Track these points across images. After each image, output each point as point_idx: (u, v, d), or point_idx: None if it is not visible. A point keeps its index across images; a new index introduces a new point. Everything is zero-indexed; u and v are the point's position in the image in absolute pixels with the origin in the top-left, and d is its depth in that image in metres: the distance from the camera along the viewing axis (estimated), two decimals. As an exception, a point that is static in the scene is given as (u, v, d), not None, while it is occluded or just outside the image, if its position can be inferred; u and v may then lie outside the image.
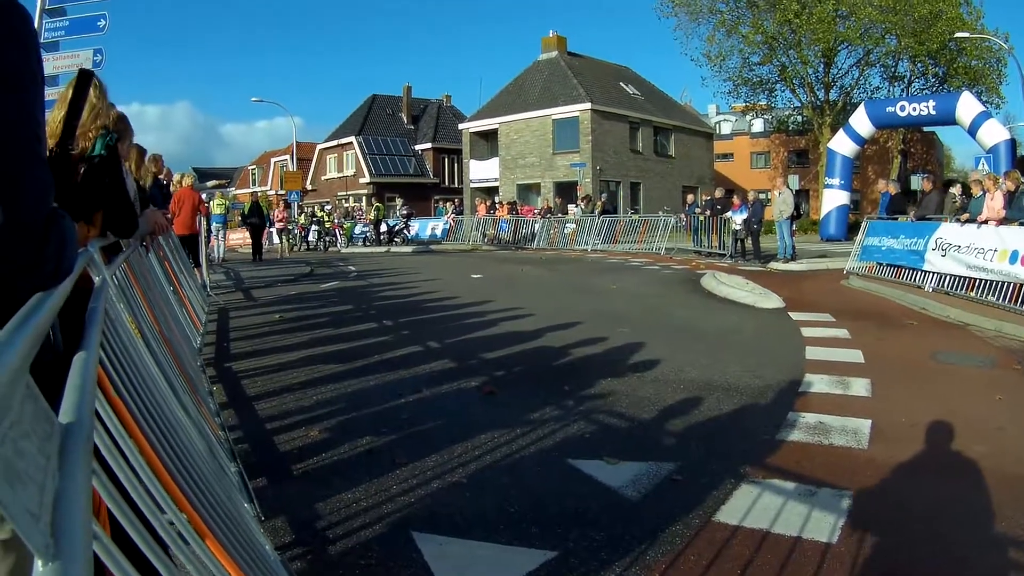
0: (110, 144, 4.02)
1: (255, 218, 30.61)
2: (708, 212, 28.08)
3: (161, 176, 12.93)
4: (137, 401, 2.55)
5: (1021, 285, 12.66)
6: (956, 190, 18.82)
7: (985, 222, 14.55)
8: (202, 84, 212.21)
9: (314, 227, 42.26)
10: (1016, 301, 12.69)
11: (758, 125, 69.42)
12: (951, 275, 15.02)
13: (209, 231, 23.52)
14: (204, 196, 16.69)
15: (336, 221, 44.18)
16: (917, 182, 25.96)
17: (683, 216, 32.50)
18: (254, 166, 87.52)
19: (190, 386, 4.99)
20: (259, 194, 44.09)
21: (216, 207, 27.72)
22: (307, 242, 41.95)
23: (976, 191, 16.44)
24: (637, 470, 5.36)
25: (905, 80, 50.40)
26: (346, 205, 59.14)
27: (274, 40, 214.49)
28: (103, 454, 1.88)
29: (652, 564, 4.03)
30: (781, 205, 24.37)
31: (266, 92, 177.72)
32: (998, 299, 13.10)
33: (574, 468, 5.40)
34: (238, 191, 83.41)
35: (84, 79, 2.47)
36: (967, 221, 15.25)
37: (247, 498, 4.39)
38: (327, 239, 41.63)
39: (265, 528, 4.31)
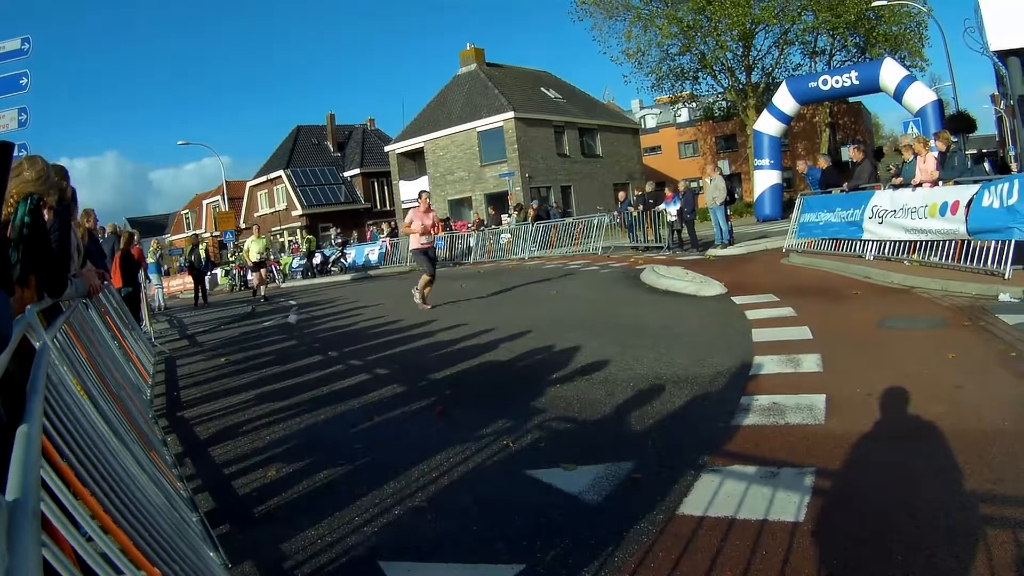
0: (32, 208, 4.00)
1: (197, 262, 30.63)
2: (641, 207, 28.22)
3: (95, 231, 12.79)
4: (87, 465, 2.55)
5: (962, 242, 12.85)
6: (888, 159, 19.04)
7: (920, 185, 14.76)
8: (128, 132, 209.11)
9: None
10: (959, 259, 12.90)
11: (683, 115, 70.02)
12: (891, 241, 15.25)
13: (148, 280, 23.33)
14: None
15: (272, 257, 43.94)
16: (847, 154, 26.26)
17: (616, 214, 32.64)
18: (187, 210, 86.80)
19: (143, 440, 4.96)
20: (198, 237, 43.70)
21: (151, 255, 27.72)
22: (246, 282, 41.66)
23: (907, 155, 16.69)
24: (596, 473, 5.38)
25: (826, 54, 51.05)
26: (280, 240, 58.88)
27: (195, 82, 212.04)
28: (55, 525, 1.88)
29: (621, 565, 4.06)
30: (713, 191, 24.57)
31: (191, 134, 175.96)
32: (941, 259, 13.29)
33: (533, 479, 5.42)
34: (173, 237, 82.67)
35: (5, 151, 2.46)
36: (901, 186, 15.47)
37: (212, 546, 4.36)
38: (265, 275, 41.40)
39: (234, 574, 4.29)
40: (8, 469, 1.61)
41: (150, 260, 27.82)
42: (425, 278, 16.69)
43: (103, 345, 7.28)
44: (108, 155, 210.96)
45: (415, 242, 16.94)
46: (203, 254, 33.37)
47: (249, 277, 32.22)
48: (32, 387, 2.34)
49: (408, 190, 56.12)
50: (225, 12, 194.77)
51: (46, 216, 4.72)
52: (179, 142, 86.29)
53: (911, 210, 14.36)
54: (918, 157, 15.59)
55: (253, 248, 28.37)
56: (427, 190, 18.55)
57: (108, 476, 2.72)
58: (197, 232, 75.98)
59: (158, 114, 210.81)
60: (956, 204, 12.83)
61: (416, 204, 17.18)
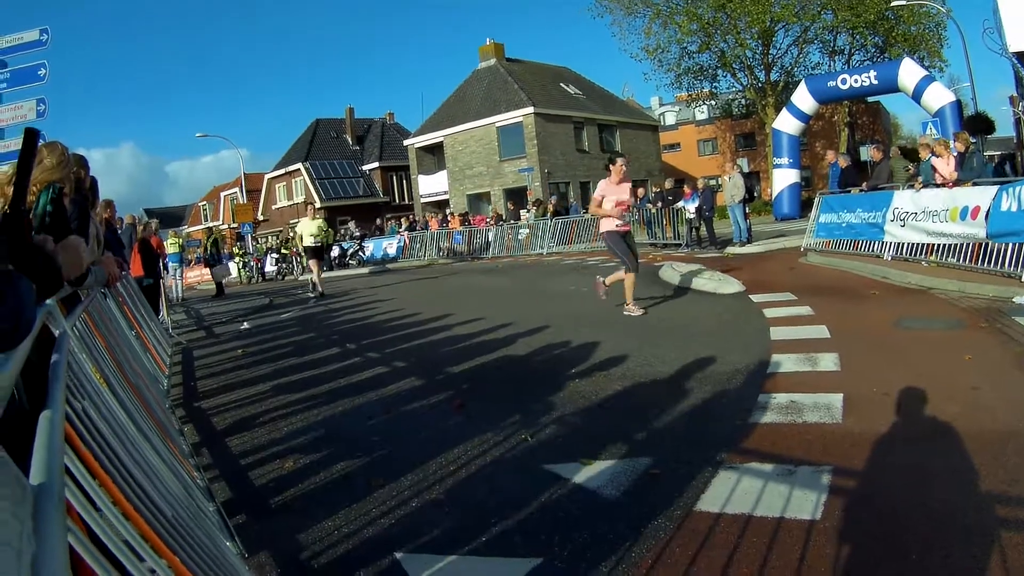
0: (54, 197, 4.01)
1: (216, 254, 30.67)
2: (660, 204, 28.23)
3: (113, 221, 12.84)
4: (108, 452, 2.55)
5: (980, 244, 12.82)
6: (904, 159, 18.97)
7: (941, 185, 14.69)
8: (145, 124, 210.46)
9: (273, 255, 42.22)
10: (976, 261, 12.88)
11: (702, 113, 69.86)
12: (910, 242, 15.22)
13: (166, 270, 23.35)
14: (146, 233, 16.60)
15: (295, 248, 44.13)
16: (867, 153, 26.17)
17: (635, 210, 32.63)
18: (204, 202, 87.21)
19: (160, 429, 4.96)
20: (214, 230, 43.93)
21: (170, 246, 27.53)
22: (263, 273, 41.80)
23: (924, 155, 16.63)
24: (614, 468, 5.38)
25: (845, 53, 50.78)
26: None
27: (213, 73, 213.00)
28: (78, 510, 1.88)
29: (638, 560, 4.05)
30: (732, 190, 24.50)
31: (209, 126, 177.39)
32: (959, 260, 13.25)
33: (551, 473, 5.41)
34: (191, 228, 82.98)
35: (31, 138, 2.47)
36: (923, 187, 15.40)
37: (228, 536, 4.37)
38: (283, 267, 41.50)
39: (250, 564, 4.28)
40: (31, 455, 1.61)
41: (173, 251, 27.77)
42: (620, 275, 13.01)
43: (121, 334, 7.30)
44: (124, 146, 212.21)
45: (607, 224, 12.97)
46: (217, 246, 33.27)
47: (306, 274, 28.26)
48: (54, 374, 2.34)
49: (426, 184, 56.24)
50: (245, 5, 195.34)
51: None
52: (198, 134, 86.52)
53: (932, 213, 14.30)
54: (937, 158, 15.54)
55: (306, 230, 23.08)
56: (623, 155, 13.67)
57: (129, 464, 2.73)
58: (215, 224, 76.42)
59: (175, 107, 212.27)
60: (976, 209, 12.80)
61: (608, 176, 13.06)
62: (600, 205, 12.78)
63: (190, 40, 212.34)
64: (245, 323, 17.31)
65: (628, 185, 13.09)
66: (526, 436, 6.30)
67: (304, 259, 27.56)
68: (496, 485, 5.31)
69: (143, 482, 2.75)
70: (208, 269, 34.18)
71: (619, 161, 12.94)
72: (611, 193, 12.71)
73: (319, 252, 23.90)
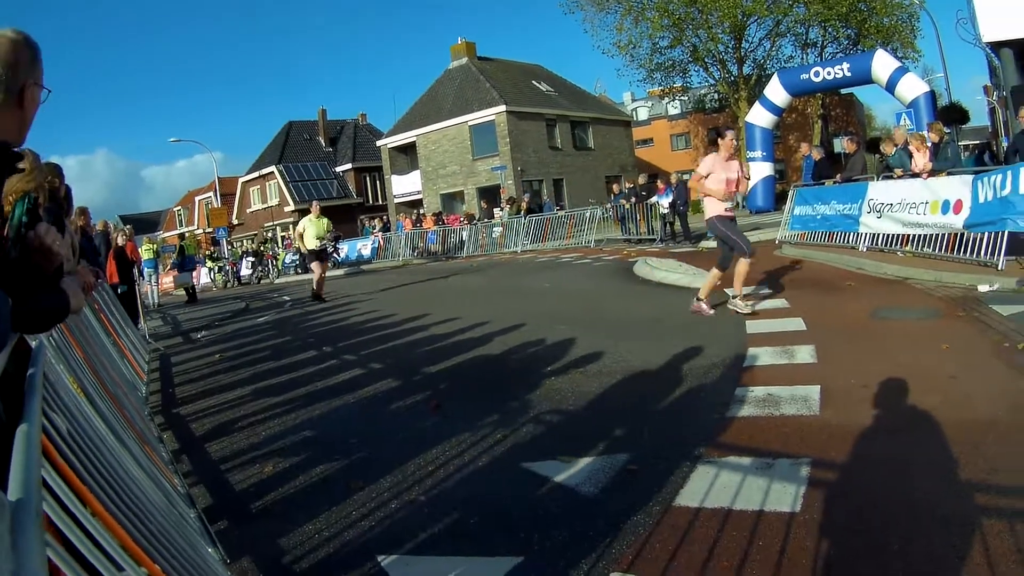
0: (30, 207, 3.99)
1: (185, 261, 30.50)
2: (633, 199, 28.27)
3: (88, 228, 12.79)
4: (86, 463, 2.56)
5: (957, 234, 12.93)
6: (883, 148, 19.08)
7: (916, 176, 14.77)
8: (119, 129, 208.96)
9: (249, 259, 42.14)
10: (953, 250, 12.99)
11: (675, 108, 69.95)
12: (886, 233, 15.34)
13: (141, 276, 23.15)
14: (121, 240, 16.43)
15: (271, 251, 44.01)
16: (840, 145, 26.36)
17: (609, 206, 32.63)
18: (179, 207, 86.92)
19: (140, 437, 4.96)
20: (187, 235, 43.80)
21: (145, 252, 27.27)
22: (239, 278, 41.67)
23: (888, 149, 16.76)
24: (592, 465, 5.41)
25: (818, 46, 50.89)
26: (271, 235, 58.85)
27: (186, 78, 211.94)
28: (56, 523, 1.89)
29: (619, 556, 4.07)
30: (706, 183, 24.52)
31: (183, 131, 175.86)
32: (934, 250, 13.37)
33: (529, 471, 5.44)
34: (166, 234, 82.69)
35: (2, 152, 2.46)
36: (902, 176, 15.45)
37: (210, 542, 4.38)
38: (260, 270, 41.39)
39: (232, 570, 4.30)
40: (8, 468, 1.62)
41: (148, 257, 27.57)
42: (722, 271, 11.27)
43: (98, 342, 7.28)
44: (99, 152, 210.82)
45: (713, 208, 10.99)
46: (187, 251, 32.93)
47: (310, 273, 24.60)
48: (30, 386, 2.34)
49: (400, 184, 56.16)
50: (216, 8, 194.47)
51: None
52: (171, 139, 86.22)
53: (910, 205, 14.36)
54: (909, 148, 15.64)
55: (310, 231, 20.70)
56: (732, 128, 11.30)
57: (107, 474, 2.73)
58: (191, 228, 76.24)
59: (149, 111, 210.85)
60: (959, 203, 12.87)
61: (714, 150, 11.11)
62: (706, 180, 10.89)
63: (161, 44, 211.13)
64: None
65: (736, 163, 11.09)
66: (504, 435, 6.32)
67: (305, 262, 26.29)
68: (475, 485, 5.33)
69: (123, 492, 2.76)
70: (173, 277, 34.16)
71: (728, 134, 10.99)
72: (719, 170, 10.79)
73: (324, 254, 21.80)
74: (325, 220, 21.73)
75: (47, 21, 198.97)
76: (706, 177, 10.82)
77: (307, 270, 37.83)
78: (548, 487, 5.13)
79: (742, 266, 10.91)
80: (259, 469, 6.22)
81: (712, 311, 10.87)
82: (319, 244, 20.85)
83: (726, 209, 10.88)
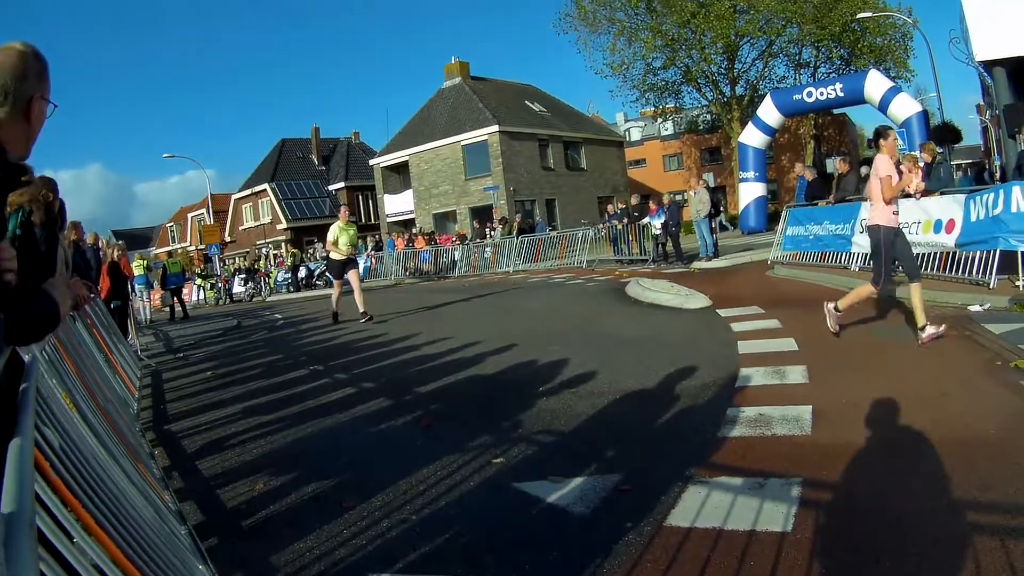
0: (23, 220, 4.01)
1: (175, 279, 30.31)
2: (626, 220, 28.33)
3: (81, 243, 12.77)
4: (78, 478, 2.56)
5: (949, 253, 12.97)
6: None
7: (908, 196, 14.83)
8: (112, 144, 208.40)
9: (241, 276, 42.14)
10: (944, 269, 13.01)
11: (668, 128, 70.20)
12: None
13: (133, 292, 23.06)
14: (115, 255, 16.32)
15: (264, 269, 44.02)
16: (833, 165, 26.44)
17: (601, 227, 32.68)
18: (172, 223, 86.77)
19: (131, 453, 4.95)
20: (178, 252, 43.77)
21: (136, 268, 27.20)
22: (231, 295, 41.62)
23: (842, 168, 16.99)
24: (584, 485, 5.40)
25: (811, 66, 51.24)
26: (266, 252, 58.78)
27: (181, 95, 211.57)
28: (49, 537, 1.89)
29: (610, 576, 4.06)
30: (698, 204, 24.69)
31: (176, 147, 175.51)
32: (927, 269, 13.32)
33: (520, 492, 5.43)
34: (159, 250, 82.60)
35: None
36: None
37: (201, 560, 4.36)
38: (252, 288, 41.34)
39: (221, 588, 4.29)
40: (1, 482, 1.63)
41: (139, 272, 27.53)
42: (863, 293, 9.88)
43: (90, 357, 7.27)
44: (91, 167, 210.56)
45: (882, 215, 9.41)
46: (168, 270, 32.62)
47: (313, 290, 22.08)
48: (23, 400, 2.35)
49: (392, 204, 56.18)
50: (211, 26, 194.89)
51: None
52: (165, 155, 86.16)
53: (903, 225, 14.35)
54: (904, 171, 15.71)
55: (343, 238, 18.57)
56: (892, 127, 9.90)
57: (100, 489, 2.73)
58: (183, 245, 76.25)
59: (142, 127, 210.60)
60: (952, 223, 12.93)
61: (884, 148, 9.46)
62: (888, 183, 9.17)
63: (155, 60, 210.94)
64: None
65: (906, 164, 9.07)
66: (495, 455, 6.31)
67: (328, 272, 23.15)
68: (466, 505, 5.31)
69: (114, 507, 2.76)
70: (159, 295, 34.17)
71: (891, 133, 9.55)
72: (895, 172, 9.33)
73: (350, 265, 18.94)
74: (354, 226, 19.75)
75: (37, 32, 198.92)
76: (887, 180, 9.17)
77: (303, 287, 37.84)
78: (540, 507, 5.12)
79: (916, 293, 9.27)
80: (250, 486, 6.20)
81: (939, 329, 8.99)
82: (351, 252, 18.91)
83: (895, 212, 9.45)
